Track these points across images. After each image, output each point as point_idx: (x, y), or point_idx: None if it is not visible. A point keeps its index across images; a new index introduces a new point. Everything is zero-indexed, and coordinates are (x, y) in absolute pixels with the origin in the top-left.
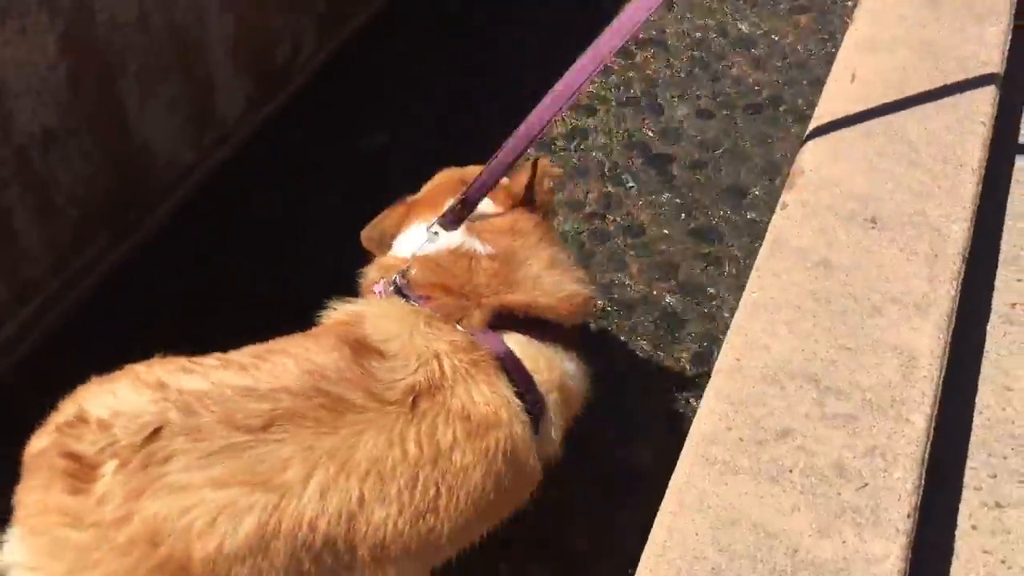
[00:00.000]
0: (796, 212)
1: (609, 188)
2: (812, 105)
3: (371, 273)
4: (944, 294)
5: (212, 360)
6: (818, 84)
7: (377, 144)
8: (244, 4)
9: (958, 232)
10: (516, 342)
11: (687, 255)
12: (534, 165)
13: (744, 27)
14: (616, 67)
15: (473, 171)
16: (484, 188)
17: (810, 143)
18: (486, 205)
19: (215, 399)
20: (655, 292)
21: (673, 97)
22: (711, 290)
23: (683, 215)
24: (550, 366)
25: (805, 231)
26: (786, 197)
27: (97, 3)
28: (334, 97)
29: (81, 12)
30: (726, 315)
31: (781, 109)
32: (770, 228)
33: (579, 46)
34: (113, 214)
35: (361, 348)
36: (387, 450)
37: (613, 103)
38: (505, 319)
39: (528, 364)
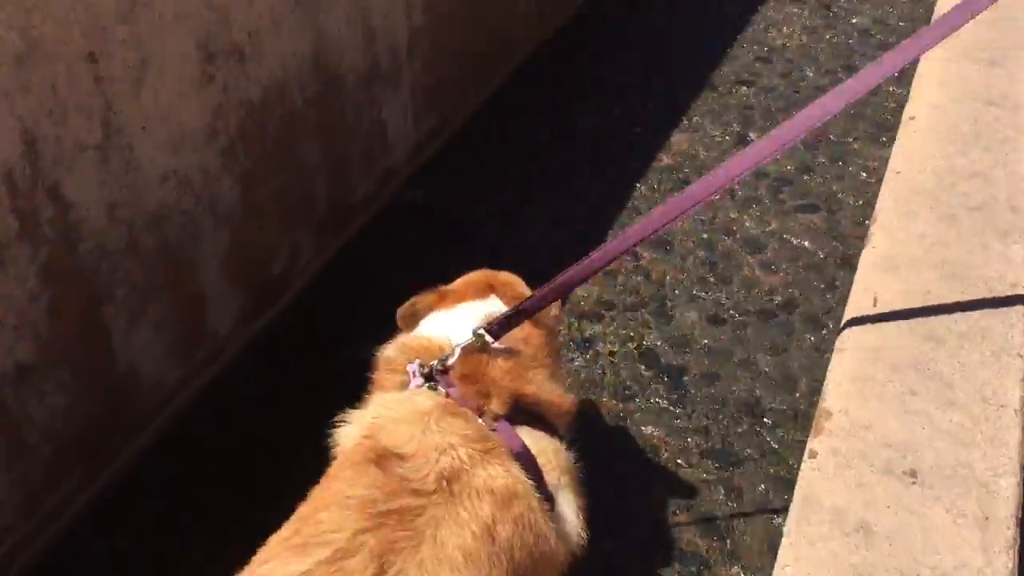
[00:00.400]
0: (827, 463)
1: (619, 404)
2: (827, 311)
3: (389, 351)
4: (1001, 567)
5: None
6: (832, 287)
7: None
8: (240, 220)
9: (1007, 488)
10: (526, 433)
11: (704, 483)
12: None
13: (752, 226)
14: (622, 270)
15: (506, 277)
16: (541, 304)
17: (834, 377)
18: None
19: None
20: (673, 529)
21: (682, 302)
22: (736, 527)
23: (697, 436)
24: (556, 453)
25: (838, 486)
26: (814, 444)
27: (84, 231)
28: (331, 301)
29: (66, 241)
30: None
31: (795, 314)
32: (799, 483)
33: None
34: (92, 445)
35: (385, 459)
36: (460, 532)
37: (620, 308)
38: (517, 411)
39: (535, 449)
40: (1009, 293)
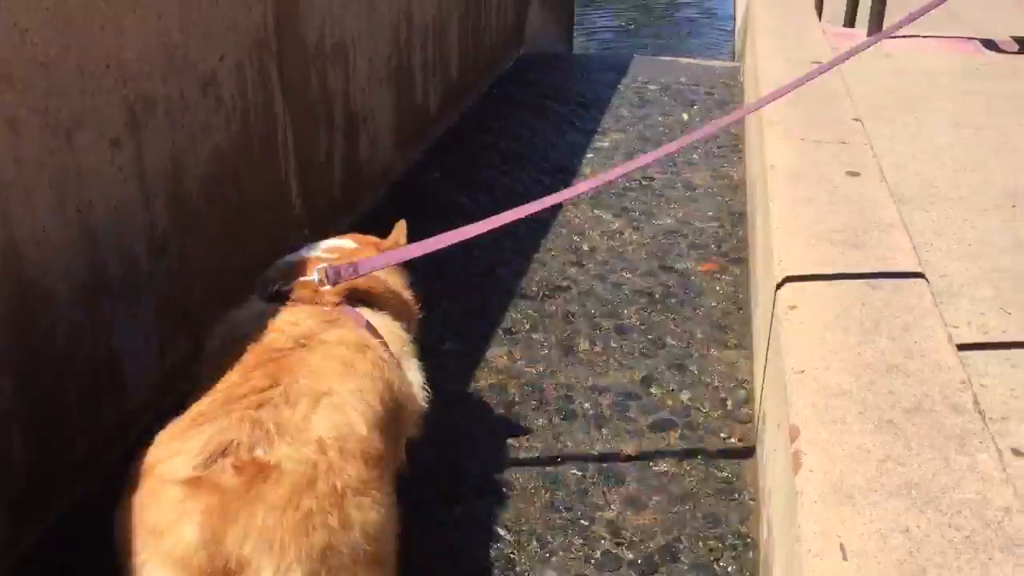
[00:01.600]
0: None
1: None
2: (721, 555)
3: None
4: None
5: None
6: (714, 522)
7: None
8: None
9: None
10: (369, 314)
11: None
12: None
13: (606, 452)
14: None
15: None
16: (372, 269)
17: None
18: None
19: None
20: None
21: (536, 564)
22: None
23: None
24: (399, 330)
25: None
26: None
27: None
28: None
29: None
30: None
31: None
32: None
33: None
34: None
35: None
36: (329, 361)
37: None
38: (356, 300)
39: (378, 324)
40: (1001, 521)
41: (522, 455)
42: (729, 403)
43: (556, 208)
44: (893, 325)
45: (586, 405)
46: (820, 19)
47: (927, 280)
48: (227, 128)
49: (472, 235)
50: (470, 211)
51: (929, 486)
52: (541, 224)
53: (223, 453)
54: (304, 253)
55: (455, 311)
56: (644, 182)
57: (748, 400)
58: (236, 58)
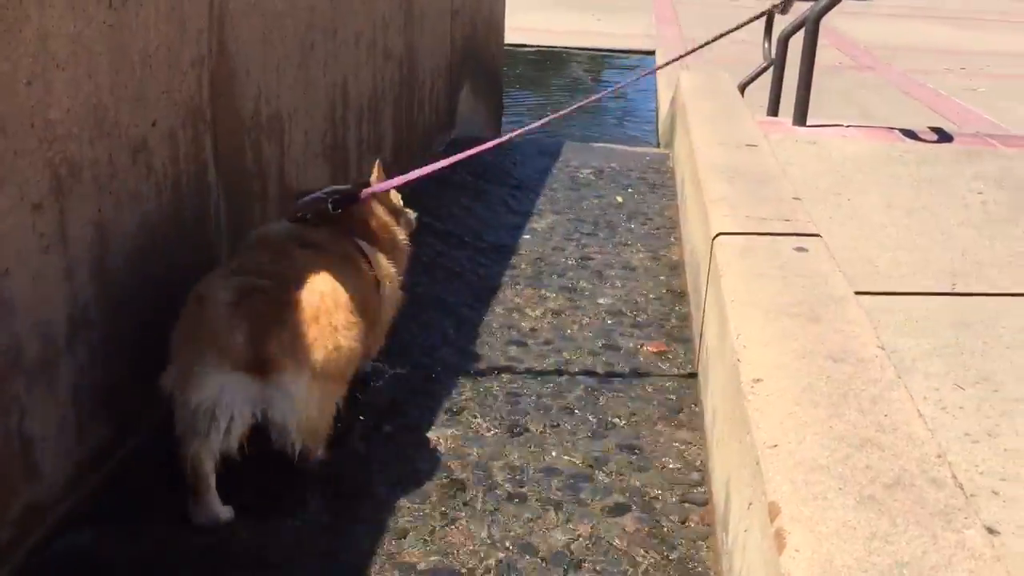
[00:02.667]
0: None
1: None
2: None
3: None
4: None
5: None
6: None
7: None
8: None
9: None
10: (365, 245)
11: None
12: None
13: (560, 537)
14: None
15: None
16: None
17: None
18: None
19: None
20: None
21: None
22: None
23: None
24: (385, 260)
25: None
26: None
27: None
28: None
29: None
30: None
31: None
32: None
33: None
34: None
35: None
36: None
37: None
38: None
39: (369, 252)
40: None
41: (469, 543)
42: (684, 483)
43: (495, 288)
44: (861, 398)
45: (537, 488)
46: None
47: (886, 352)
48: (157, 197)
49: (441, 166)
50: (410, 289)
51: (920, 565)
52: (481, 303)
53: (257, 290)
54: (318, 193)
55: (398, 390)
56: (583, 262)
57: (703, 481)
58: (169, 125)
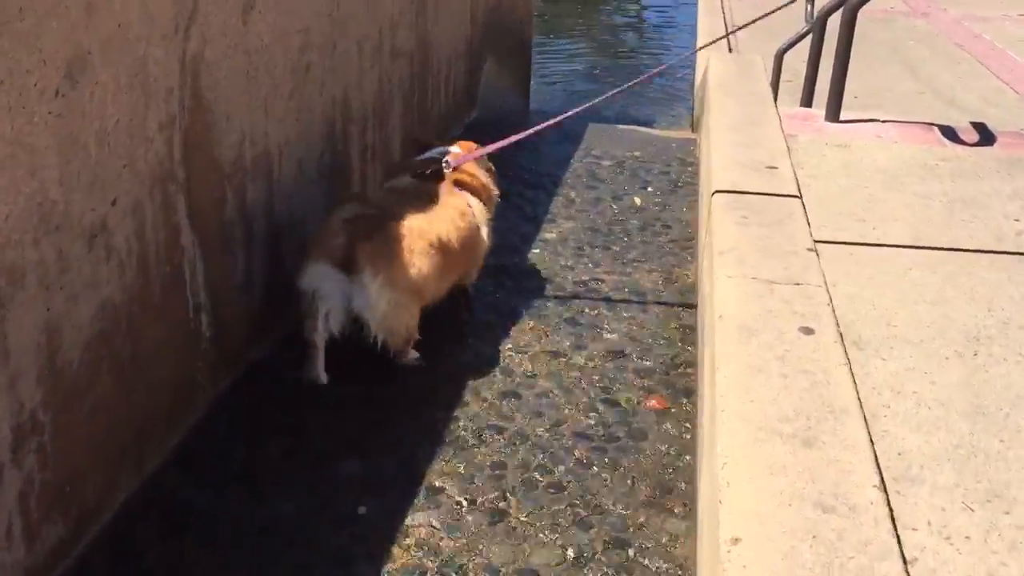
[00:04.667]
0: None
1: None
2: None
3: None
4: None
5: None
6: None
7: None
8: None
9: None
10: (469, 197)
11: None
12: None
13: None
14: None
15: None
16: (466, 160)
17: None
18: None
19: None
20: None
21: None
22: None
23: None
24: (482, 208)
25: None
26: None
27: None
28: None
29: None
30: None
31: None
32: None
33: None
34: None
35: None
36: (451, 206)
37: None
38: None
39: (472, 203)
40: None
41: None
42: None
43: (496, 324)
44: (846, 570)
45: None
46: (776, 99)
47: (885, 493)
48: (119, 278)
49: (524, 136)
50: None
51: None
52: (482, 341)
53: (363, 216)
54: (433, 152)
55: (374, 472)
56: (592, 284)
57: None
58: (133, 199)
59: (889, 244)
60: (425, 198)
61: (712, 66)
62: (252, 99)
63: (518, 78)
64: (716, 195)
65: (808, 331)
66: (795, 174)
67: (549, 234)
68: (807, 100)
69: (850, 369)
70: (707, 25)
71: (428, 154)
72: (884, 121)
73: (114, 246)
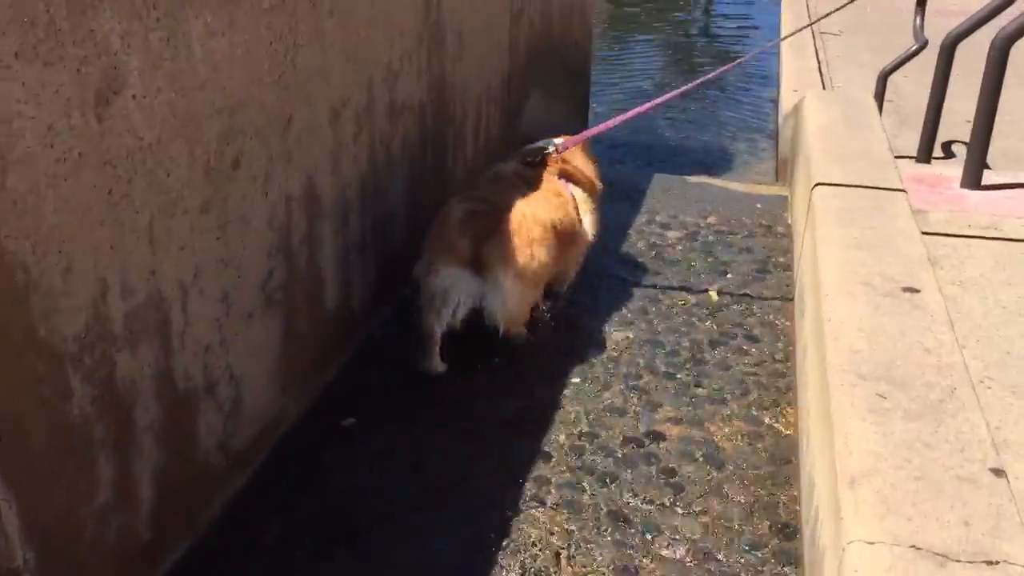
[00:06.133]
0: None
1: None
2: None
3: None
4: None
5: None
6: None
7: None
8: None
9: None
10: (572, 187)
11: None
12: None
13: None
14: None
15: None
16: (569, 147)
17: None
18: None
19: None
20: None
21: None
22: None
23: None
24: (585, 198)
25: None
26: None
27: None
28: None
29: None
30: None
31: None
32: None
33: None
34: None
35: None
36: (548, 190)
37: None
38: (567, 178)
39: (575, 193)
40: None
41: None
42: None
43: (509, 520)
44: None
45: None
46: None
47: None
48: None
49: (632, 115)
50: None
51: None
52: (484, 546)
53: (479, 212)
54: (541, 143)
55: None
56: (649, 444)
57: None
58: None
59: None
60: (531, 185)
61: (808, 107)
62: (121, 230)
63: (574, 105)
64: (833, 357)
65: None
66: (943, 297)
67: (594, 356)
68: (926, 150)
69: None
70: (790, 18)
71: (537, 144)
72: None
73: None
